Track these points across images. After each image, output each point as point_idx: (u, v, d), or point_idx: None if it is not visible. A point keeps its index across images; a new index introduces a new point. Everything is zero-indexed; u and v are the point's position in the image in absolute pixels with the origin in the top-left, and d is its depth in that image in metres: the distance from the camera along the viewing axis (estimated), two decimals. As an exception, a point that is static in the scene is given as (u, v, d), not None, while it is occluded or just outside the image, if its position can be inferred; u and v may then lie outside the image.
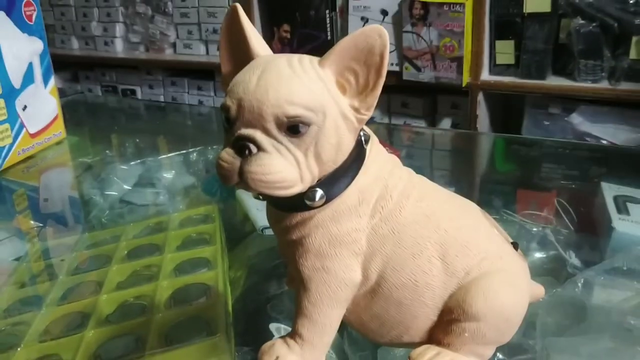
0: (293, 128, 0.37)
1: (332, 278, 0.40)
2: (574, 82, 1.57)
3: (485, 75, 1.67)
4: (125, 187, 0.87)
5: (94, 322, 0.56)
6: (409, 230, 0.41)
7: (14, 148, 0.97)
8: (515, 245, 0.46)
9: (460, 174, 1.05)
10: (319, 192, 0.39)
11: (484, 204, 0.70)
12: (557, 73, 1.62)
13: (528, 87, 1.61)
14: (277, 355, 0.41)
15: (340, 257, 0.40)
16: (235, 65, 0.42)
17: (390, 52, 1.83)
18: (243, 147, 0.37)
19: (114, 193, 0.86)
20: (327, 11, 1.84)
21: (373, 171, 0.41)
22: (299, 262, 0.41)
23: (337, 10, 1.84)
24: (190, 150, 0.97)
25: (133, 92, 2.40)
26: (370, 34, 0.37)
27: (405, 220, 0.41)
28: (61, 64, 2.53)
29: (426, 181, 0.44)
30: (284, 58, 0.39)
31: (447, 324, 0.41)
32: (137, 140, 1.10)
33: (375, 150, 0.42)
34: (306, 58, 0.39)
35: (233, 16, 0.42)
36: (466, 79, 1.66)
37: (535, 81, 1.61)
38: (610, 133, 1.58)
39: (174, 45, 2.27)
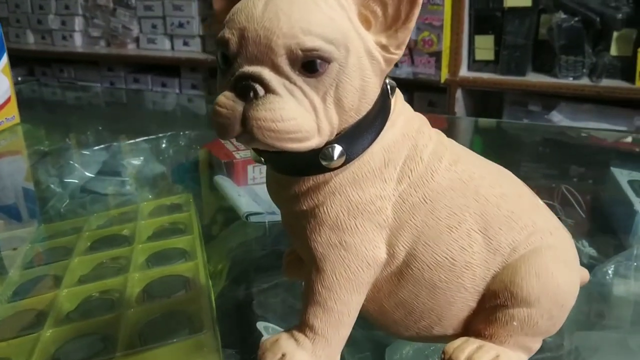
0: (309, 65, 0.30)
1: (351, 256, 0.33)
2: (555, 79, 1.53)
3: (464, 72, 1.63)
4: (87, 174, 0.78)
5: (52, 320, 0.47)
6: (444, 198, 0.34)
7: (-42, 132, 0.86)
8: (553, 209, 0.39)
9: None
10: (338, 149, 0.32)
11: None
12: (538, 69, 1.59)
13: (508, 84, 1.57)
14: (284, 352, 0.33)
15: (361, 231, 0.33)
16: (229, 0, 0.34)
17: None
18: (247, 88, 0.29)
19: (74, 181, 0.77)
20: None
21: (400, 127, 0.34)
22: (311, 237, 0.33)
23: None
24: (160, 135, 0.88)
25: (93, 89, 2.28)
26: None
27: (438, 186, 0.34)
28: (16, 59, 2.39)
29: (456, 143, 0.37)
30: None
31: (490, 311, 0.34)
32: (100, 127, 1.01)
33: (401, 102, 0.35)
34: None
35: None
36: (444, 75, 1.61)
37: (515, 77, 1.57)
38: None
39: (137, 39, 2.16)
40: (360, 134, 0.32)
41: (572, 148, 1.00)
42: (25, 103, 1.08)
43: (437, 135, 0.36)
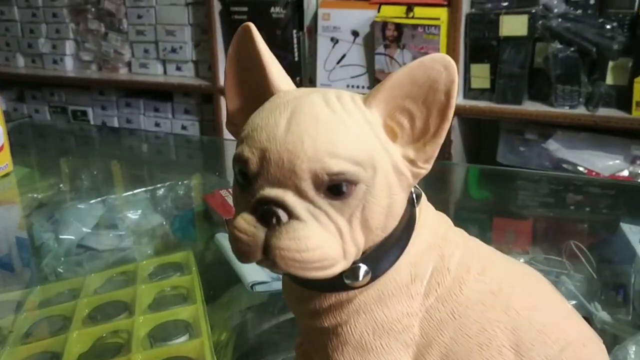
0: (335, 188, 0.28)
1: None
2: (551, 108, 1.53)
3: (460, 100, 1.62)
4: (84, 229, 0.76)
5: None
6: (473, 312, 0.32)
7: (-51, 184, 0.84)
8: (588, 321, 0.37)
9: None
10: (363, 269, 0.30)
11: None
12: (534, 98, 1.58)
13: (504, 112, 1.56)
14: None
15: (387, 351, 0.31)
16: (246, 100, 0.33)
17: (361, 74, 1.77)
18: (269, 214, 0.28)
19: (70, 237, 0.74)
20: (295, 31, 1.75)
21: (426, 237, 0.33)
22: (333, 356, 0.32)
23: (305, 30, 1.76)
24: (158, 186, 0.86)
25: (84, 113, 2.26)
26: (432, 65, 0.29)
27: (467, 300, 0.32)
28: (6, 83, 2.37)
29: (481, 244, 0.36)
30: (317, 94, 0.30)
31: None
32: (95, 172, 0.98)
33: (425, 208, 0.34)
34: (346, 95, 0.30)
35: (245, 38, 0.33)
36: (440, 103, 1.60)
37: (511, 106, 1.56)
38: (587, 160, 1.55)
39: (129, 64, 2.14)
40: (387, 251, 0.31)
41: (578, 195, 0.99)
42: (17, 144, 1.05)
43: (462, 237, 0.35)
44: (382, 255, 0.31)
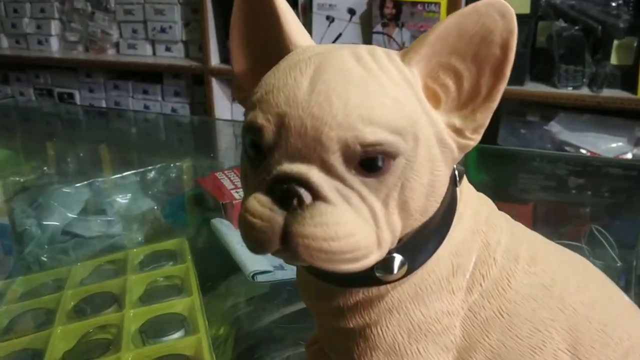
0: (369, 163, 0.23)
1: None
2: (554, 89, 1.48)
3: (460, 80, 1.57)
4: (69, 215, 0.70)
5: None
6: (524, 310, 0.27)
7: None
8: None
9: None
10: (399, 260, 0.25)
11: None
12: (536, 78, 1.53)
13: (505, 93, 1.48)
14: None
15: (425, 356, 0.27)
16: (257, 60, 0.28)
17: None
18: (289, 194, 0.23)
19: (54, 223, 0.69)
20: (289, 9, 1.69)
21: (468, 222, 0.28)
22: (360, 362, 0.27)
23: (299, 8, 1.70)
24: (149, 168, 0.80)
25: (71, 95, 2.19)
26: (487, 12, 0.24)
27: (516, 296, 0.27)
28: (-12, 65, 2.29)
29: (527, 230, 0.31)
30: (346, 50, 0.25)
31: None
32: (81, 154, 0.92)
33: (467, 188, 0.29)
34: (380, 51, 0.25)
35: None
36: (440, 84, 1.55)
37: (512, 87, 1.51)
38: (590, 142, 1.51)
39: (116, 45, 2.07)
40: (426, 239, 0.26)
41: (591, 176, 0.94)
42: (0, 124, 0.99)
43: (507, 221, 0.30)
44: (421, 243, 0.26)
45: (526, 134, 1.57)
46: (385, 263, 0.25)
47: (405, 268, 0.26)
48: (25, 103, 1.79)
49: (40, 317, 0.54)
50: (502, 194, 0.90)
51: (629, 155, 1.47)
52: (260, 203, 0.23)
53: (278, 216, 0.23)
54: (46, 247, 0.68)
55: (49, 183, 0.82)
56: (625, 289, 0.59)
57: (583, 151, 1.49)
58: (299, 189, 0.23)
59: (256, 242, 0.24)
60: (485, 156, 1.14)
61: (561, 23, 1.42)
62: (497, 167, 1.05)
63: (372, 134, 0.23)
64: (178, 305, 0.53)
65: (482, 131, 0.26)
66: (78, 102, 2.17)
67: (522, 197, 0.90)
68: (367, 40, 1.59)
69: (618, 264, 0.64)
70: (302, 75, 0.24)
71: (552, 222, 0.84)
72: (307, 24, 1.68)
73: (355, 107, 0.23)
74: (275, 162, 0.24)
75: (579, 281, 0.29)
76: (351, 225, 0.23)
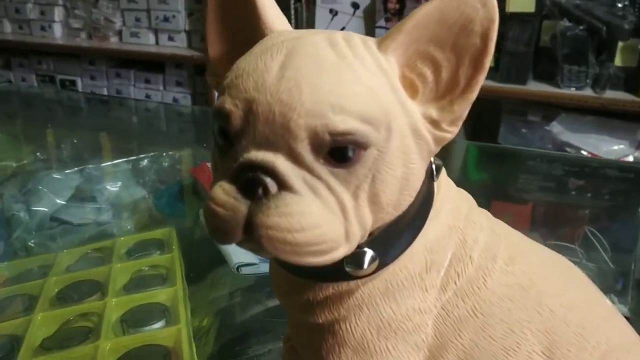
0: (339, 152, 0.22)
1: None
2: (556, 89, 1.47)
3: (462, 78, 1.55)
4: (58, 201, 0.70)
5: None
6: (499, 310, 0.27)
7: None
8: (628, 320, 0.32)
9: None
10: (369, 254, 0.25)
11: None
12: (538, 78, 1.52)
13: (507, 92, 1.50)
14: None
15: (393, 355, 0.26)
16: (232, 44, 0.27)
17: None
18: (254, 183, 0.22)
19: (43, 209, 0.69)
20: (292, 2, 1.68)
21: (445, 217, 0.27)
22: (328, 359, 0.26)
23: (303, 1, 1.69)
24: (141, 156, 0.79)
25: (73, 82, 2.18)
26: (467, 1, 0.23)
27: (492, 295, 0.27)
28: (-8, 50, 2.29)
29: (509, 228, 0.30)
30: (321, 35, 0.24)
31: None
32: (75, 141, 0.92)
33: (445, 183, 0.28)
34: (356, 37, 0.24)
35: None
36: (441, 81, 1.54)
37: (514, 86, 1.50)
38: (591, 144, 1.50)
39: (119, 33, 2.06)
40: (399, 233, 0.25)
41: (590, 178, 0.93)
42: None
43: (487, 219, 0.29)
44: (393, 238, 0.25)
45: (527, 133, 1.56)
46: (355, 257, 0.24)
47: (376, 263, 0.25)
48: (24, 88, 1.78)
49: (24, 302, 0.54)
50: (501, 193, 0.89)
51: (630, 158, 1.46)
52: (224, 191, 0.23)
53: (242, 205, 0.22)
54: (34, 233, 0.67)
55: (41, 168, 0.81)
56: (622, 293, 0.58)
57: (584, 152, 1.48)
58: (265, 178, 0.22)
59: (219, 231, 0.23)
60: (485, 154, 1.13)
61: (566, 23, 1.41)
62: (497, 165, 1.04)
63: (342, 123, 0.22)
64: (161, 295, 0.52)
65: (460, 123, 0.25)
66: (80, 90, 2.17)
67: (520, 197, 0.89)
68: (370, 34, 1.57)
69: (611, 267, 0.63)
70: (272, 60, 0.23)
71: (548, 223, 0.83)
72: (311, 17, 1.67)
73: (325, 94, 0.22)
74: (242, 150, 0.23)
75: (559, 283, 0.28)
76: (317, 216, 0.22)
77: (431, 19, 0.23)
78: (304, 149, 0.22)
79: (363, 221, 0.23)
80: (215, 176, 0.24)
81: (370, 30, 1.57)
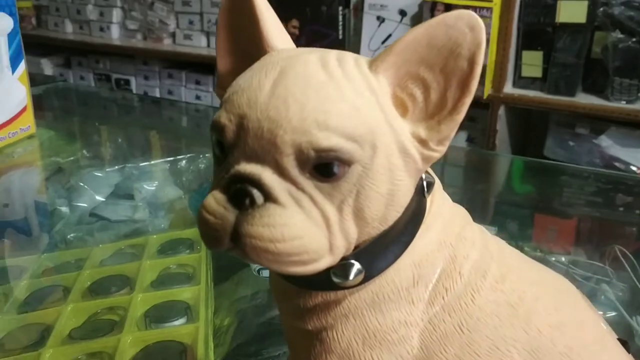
0: (324, 168, 0.23)
1: None
2: (606, 102, 1.44)
3: (509, 88, 1.54)
4: (98, 198, 0.73)
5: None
6: (485, 327, 0.27)
7: (-31, 143, 0.82)
8: (626, 345, 0.32)
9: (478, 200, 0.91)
10: (356, 267, 0.25)
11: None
12: (588, 90, 1.49)
13: (555, 104, 1.48)
14: None
15: (378, 364, 0.26)
16: (238, 61, 0.29)
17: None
18: (241, 194, 0.23)
19: (83, 205, 0.72)
20: (340, 8, 1.70)
21: (436, 233, 0.28)
22: (314, 364, 0.27)
23: (351, 7, 1.70)
24: (179, 157, 0.82)
25: (127, 82, 2.26)
26: (455, 24, 0.24)
27: (479, 312, 0.27)
28: (53, 48, 2.39)
29: (504, 246, 0.31)
30: (315, 54, 0.25)
31: None
32: (120, 139, 0.96)
33: (439, 199, 0.29)
34: (349, 57, 0.25)
35: None
36: (487, 90, 1.52)
37: (563, 97, 1.47)
38: (641, 159, 1.45)
39: (173, 35, 2.12)
40: (385, 247, 0.26)
41: (629, 196, 0.91)
42: (48, 107, 1.04)
43: (482, 237, 0.29)
44: (379, 251, 0.26)
45: (575, 146, 1.53)
46: (342, 268, 0.25)
47: (362, 275, 0.26)
48: (81, 87, 1.85)
49: (58, 293, 0.57)
50: (545, 207, 0.88)
51: (682, 175, 1.41)
52: (216, 200, 0.24)
53: (230, 214, 0.23)
54: (74, 227, 0.70)
55: (85, 166, 0.85)
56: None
57: (633, 168, 1.44)
58: (252, 189, 0.23)
59: (208, 238, 0.24)
60: (530, 169, 1.11)
61: (618, 34, 1.37)
62: (542, 178, 1.02)
63: (326, 140, 0.23)
64: (185, 293, 0.54)
65: (447, 143, 0.25)
66: (134, 89, 2.24)
67: (564, 211, 0.88)
68: (416, 42, 1.57)
69: None
70: (266, 78, 0.24)
71: (593, 239, 0.82)
72: (358, 24, 1.68)
73: (311, 112, 0.23)
74: (234, 161, 0.24)
75: (550, 302, 0.29)
76: (299, 227, 0.23)
77: (420, 43, 0.24)
78: (290, 164, 0.23)
79: (347, 234, 0.24)
80: (212, 185, 0.26)
81: (416, 38, 1.57)
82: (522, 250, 0.71)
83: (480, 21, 0.24)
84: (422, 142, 0.25)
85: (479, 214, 0.84)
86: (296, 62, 0.25)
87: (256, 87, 0.24)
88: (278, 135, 0.23)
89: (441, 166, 1.07)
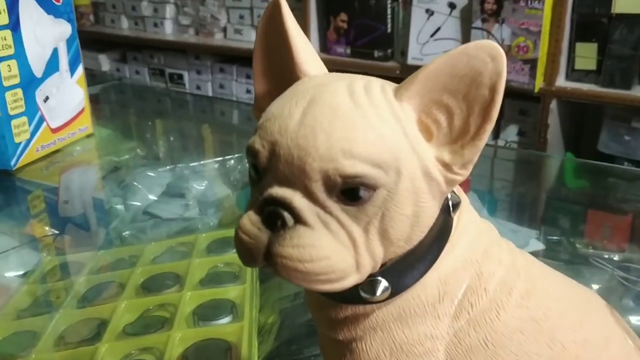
0: (350, 192, 0.25)
1: None
2: (664, 95, 1.39)
3: (561, 81, 1.50)
4: (151, 197, 0.76)
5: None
6: (510, 342, 0.28)
7: (31, 144, 0.87)
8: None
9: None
10: (383, 284, 0.27)
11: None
12: (645, 83, 1.44)
13: (609, 97, 1.44)
14: None
15: (406, 375, 0.28)
16: (274, 84, 0.30)
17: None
18: (274, 216, 0.25)
19: (137, 203, 0.75)
20: (389, 1, 1.69)
21: (462, 251, 0.29)
22: (345, 373, 0.29)
23: (400, 0, 1.70)
24: (227, 157, 0.85)
25: (180, 76, 2.31)
26: (477, 54, 0.24)
27: (504, 327, 0.28)
28: (110, 44, 2.47)
29: (532, 262, 0.31)
30: (343, 82, 0.26)
31: None
32: (172, 138, 0.99)
33: (466, 217, 0.30)
34: (376, 84, 0.27)
35: (274, 13, 0.30)
36: (539, 84, 1.50)
37: (618, 91, 1.43)
38: (700, 154, 1.40)
39: (224, 29, 2.16)
40: (411, 265, 0.27)
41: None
42: (105, 106, 1.08)
43: (509, 253, 0.30)
44: (406, 269, 0.27)
45: (630, 141, 1.48)
46: (370, 285, 0.27)
47: (388, 292, 0.27)
48: (131, 84, 1.91)
49: (113, 289, 0.60)
50: (599, 203, 0.87)
51: None
52: (251, 221, 0.26)
53: (263, 235, 0.25)
54: (128, 224, 0.74)
55: (139, 165, 0.88)
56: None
57: (691, 164, 1.40)
58: (283, 212, 0.25)
59: (244, 256, 0.26)
60: (582, 169, 1.09)
61: (677, 25, 1.33)
62: (597, 175, 1.01)
63: (352, 167, 0.24)
64: (231, 291, 0.57)
65: (470, 167, 0.26)
66: (186, 83, 2.30)
67: (619, 208, 0.86)
68: (465, 35, 1.56)
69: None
70: (296, 107, 0.26)
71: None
72: (407, 17, 1.68)
73: (337, 140, 0.24)
74: (267, 185, 0.26)
75: (576, 319, 0.29)
76: (326, 249, 0.25)
77: (443, 71, 0.25)
78: (318, 189, 0.25)
79: (374, 253, 0.26)
80: (249, 204, 0.27)
81: (466, 31, 1.55)
82: (573, 247, 0.71)
83: (501, 51, 0.25)
84: (446, 166, 0.26)
85: (528, 209, 0.84)
86: (324, 91, 0.26)
87: (287, 115, 0.26)
88: (307, 163, 0.24)
89: (491, 161, 1.06)
